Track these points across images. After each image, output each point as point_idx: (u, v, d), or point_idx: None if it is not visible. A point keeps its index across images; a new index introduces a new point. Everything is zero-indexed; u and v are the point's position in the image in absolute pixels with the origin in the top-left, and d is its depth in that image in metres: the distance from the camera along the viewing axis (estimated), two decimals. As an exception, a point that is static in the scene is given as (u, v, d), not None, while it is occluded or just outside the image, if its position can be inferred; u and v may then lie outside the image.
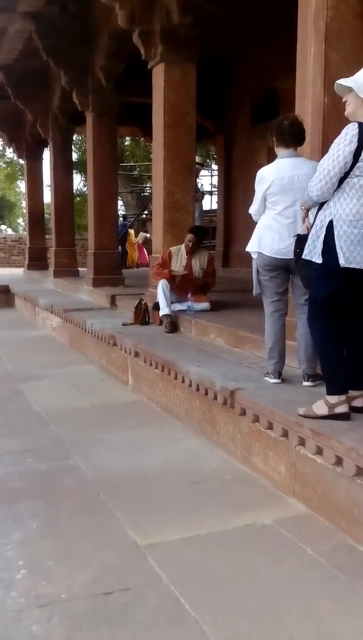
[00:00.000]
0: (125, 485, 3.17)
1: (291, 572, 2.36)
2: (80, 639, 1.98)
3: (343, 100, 2.89)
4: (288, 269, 3.52)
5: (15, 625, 2.03)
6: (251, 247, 3.65)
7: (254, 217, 3.70)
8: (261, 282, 3.66)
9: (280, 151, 3.56)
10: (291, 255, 3.31)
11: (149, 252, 9.37)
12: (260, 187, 3.57)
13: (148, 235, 16.04)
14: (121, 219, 16.96)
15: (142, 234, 16.81)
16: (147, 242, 15.63)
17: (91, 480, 3.23)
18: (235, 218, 10.48)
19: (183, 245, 5.86)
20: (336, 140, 2.79)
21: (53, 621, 2.06)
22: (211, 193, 18.50)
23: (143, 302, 5.95)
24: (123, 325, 5.82)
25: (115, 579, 2.30)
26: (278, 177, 3.48)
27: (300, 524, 2.73)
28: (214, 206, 15.36)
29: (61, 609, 2.13)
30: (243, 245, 3.70)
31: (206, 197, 17.17)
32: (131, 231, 16.64)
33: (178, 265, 5.83)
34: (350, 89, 2.81)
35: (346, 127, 2.77)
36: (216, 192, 14.27)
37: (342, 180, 2.80)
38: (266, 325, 3.68)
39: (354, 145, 2.71)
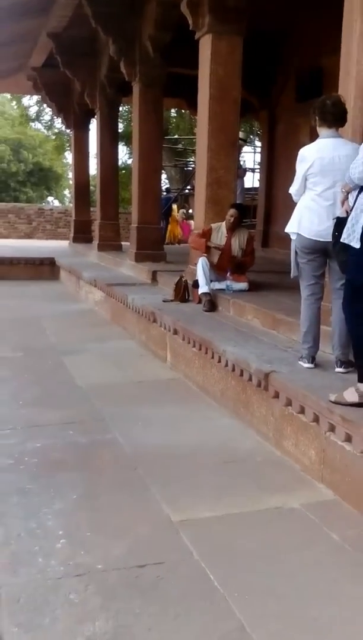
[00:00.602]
0: (161, 461, 3.22)
1: (317, 556, 2.38)
2: (114, 608, 2.06)
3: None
4: (326, 252, 3.47)
5: (54, 593, 2.13)
6: (291, 227, 3.61)
7: (294, 198, 3.65)
8: (299, 265, 3.63)
9: (321, 131, 3.51)
10: (329, 238, 3.27)
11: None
12: (301, 167, 3.52)
13: (190, 211, 15.93)
14: (165, 192, 16.86)
15: (181, 211, 16.68)
16: (188, 218, 15.54)
17: (129, 455, 3.29)
18: (276, 197, 10.31)
19: (223, 223, 5.81)
20: None
21: (89, 590, 2.15)
22: (253, 170, 18.15)
23: (183, 280, 5.95)
24: (163, 301, 5.84)
25: (148, 553, 2.36)
26: (319, 157, 3.43)
27: (327, 510, 2.74)
28: (256, 184, 15.09)
29: (97, 578, 2.21)
30: (284, 226, 3.66)
31: (248, 174, 16.88)
32: (174, 206, 16.55)
33: (217, 242, 5.79)
34: None
35: None
36: (259, 170, 14.03)
37: None
38: (302, 308, 3.65)
39: None
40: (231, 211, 5.72)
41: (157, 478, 3.00)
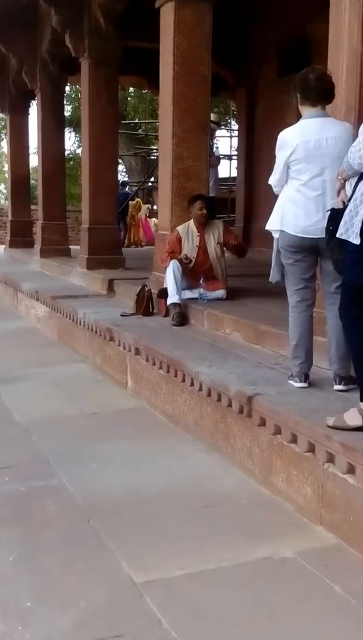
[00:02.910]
0: (120, 509, 3.18)
1: (316, 615, 2.37)
2: None
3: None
4: (317, 250, 3.52)
5: None
6: (272, 224, 3.65)
7: (275, 189, 3.71)
8: (284, 267, 3.66)
9: (304, 110, 3.57)
10: (319, 234, 3.33)
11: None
12: (281, 153, 3.58)
13: (154, 207, 15.96)
14: (121, 186, 16.88)
15: (145, 207, 16.73)
16: (152, 216, 15.58)
17: (79, 504, 3.24)
18: (258, 188, 10.41)
19: (190, 222, 5.85)
20: None
21: None
22: (229, 158, 18.37)
23: (147, 289, 5.95)
24: (122, 316, 5.85)
25: (105, 624, 2.31)
26: (303, 141, 3.48)
27: (327, 557, 2.73)
28: (234, 173, 15.25)
29: (40, 660, 2.14)
30: (267, 221, 3.70)
31: (224, 162, 17.06)
32: (137, 201, 16.59)
33: (190, 246, 5.82)
34: None
35: None
36: (236, 157, 14.14)
37: None
38: (290, 318, 3.68)
39: None
40: (198, 204, 5.76)
41: (115, 530, 2.96)
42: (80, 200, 10.48)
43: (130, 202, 16.16)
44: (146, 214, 16.56)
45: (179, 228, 5.87)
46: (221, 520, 3.07)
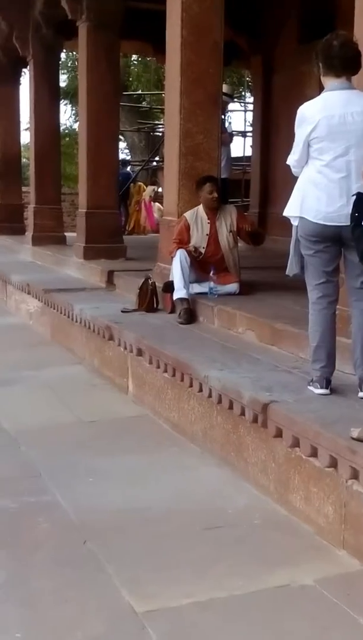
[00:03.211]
0: (120, 529, 3.16)
1: (339, 651, 2.36)
2: None
3: None
4: (340, 239, 3.50)
5: None
6: (290, 210, 3.63)
7: (294, 170, 3.67)
8: (304, 258, 3.64)
9: (328, 81, 3.54)
10: (343, 221, 3.32)
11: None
12: (301, 130, 3.54)
13: (159, 189, 15.89)
14: (122, 166, 16.80)
15: (150, 188, 16.65)
16: (157, 199, 15.51)
17: (75, 523, 3.23)
18: (275, 169, 10.40)
19: (199, 208, 5.82)
20: None
21: None
22: (244, 134, 18.26)
23: (150, 282, 5.94)
24: (123, 312, 5.83)
25: (103, 658, 2.31)
26: (326, 117, 3.44)
27: (350, 585, 2.72)
28: (249, 152, 15.19)
29: None
30: (285, 206, 3.68)
31: (237, 139, 16.96)
32: (137, 187, 16.48)
33: (200, 235, 5.79)
34: None
35: None
36: (251, 134, 14.08)
37: None
38: (311, 316, 3.66)
39: None
40: (208, 187, 5.73)
41: (115, 553, 2.95)
42: (77, 181, 10.54)
43: (131, 185, 16.11)
44: (150, 196, 16.47)
45: (187, 214, 5.84)
46: (233, 543, 3.05)
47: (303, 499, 3.23)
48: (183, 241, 5.76)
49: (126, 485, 3.66)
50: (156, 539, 3.08)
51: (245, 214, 6.49)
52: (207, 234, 5.79)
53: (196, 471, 3.87)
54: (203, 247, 5.76)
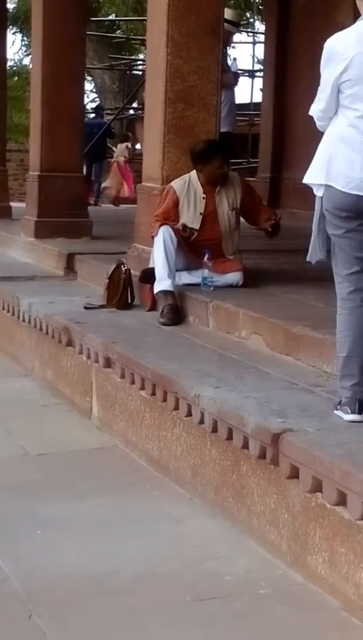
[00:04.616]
0: (77, 601, 2.89)
1: None
2: None
3: None
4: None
5: None
6: (314, 176, 3.35)
7: (318, 124, 3.44)
8: (331, 240, 3.36)
9: (364, 6, 3.27)
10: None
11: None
12: (329, 70, 3.28)
13: (138, 146, 14.99)
14: (93, 114, 15.83)
15: (123, 146, 15.74)
16: (133, 160, 14.69)
17: (18, 592, 2.94)
18: (293, 121, 9.80)
19: (192, 175, 5.29)
20: None
21: None
22: (252, 74, 17.16)
23: (124, 269, 5.45)
24: (86, 308, 5.44)
25: None
26: (361, 53, 3.20)
27: None
28: (258, 98, 14.35)
29: None
30: (305, 171, 3.36)
31: (243, 81, 15.60)
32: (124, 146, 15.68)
33: (191, 213, 5.25)
34: None
35: None
36: (262, 74, 13.25)
37: None
38: (339, 316, 3.38)
39: None
40: (216, 161, 5.23)
41: (69, 632, 2.70)
42: (27, 134, 10.02)
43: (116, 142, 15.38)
44: (125, 156, 15.54)
45: (176, 185, 5.28)
46: (229, 621, 2.77)
47: (327, 562, 2.96)
48: (168, 219, 5.26)
49: (86, 541, 3.33)
50: (125, 616, 2.80)
51: (252, 185, 5.96)
52: (201, 213, 5.28)
53: (182, 523, 3.55)
54: (196, 228, 5.26)
